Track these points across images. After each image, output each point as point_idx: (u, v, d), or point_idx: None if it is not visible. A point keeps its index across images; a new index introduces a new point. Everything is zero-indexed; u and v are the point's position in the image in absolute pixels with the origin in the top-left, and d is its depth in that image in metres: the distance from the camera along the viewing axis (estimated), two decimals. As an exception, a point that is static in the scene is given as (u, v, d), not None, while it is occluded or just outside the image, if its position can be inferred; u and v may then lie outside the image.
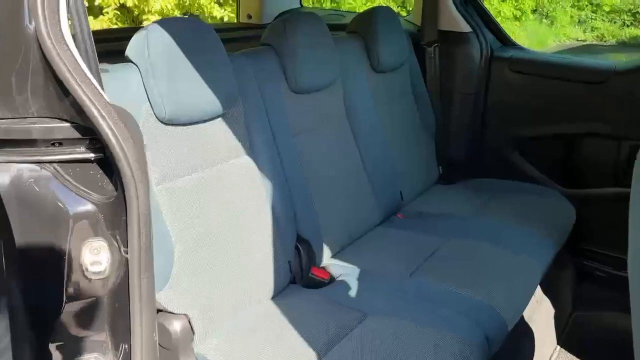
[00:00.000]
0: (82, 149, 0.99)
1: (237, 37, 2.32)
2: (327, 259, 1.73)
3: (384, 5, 3.12)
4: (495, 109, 2.35)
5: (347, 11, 2.90)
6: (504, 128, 2.34)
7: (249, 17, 2.77)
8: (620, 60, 2.10)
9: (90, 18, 5.57)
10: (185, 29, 1.35)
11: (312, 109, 1.78)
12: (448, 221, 1.97)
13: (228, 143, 1.48)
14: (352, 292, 1.53)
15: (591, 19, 11.69)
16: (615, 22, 11.69)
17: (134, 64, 1.29)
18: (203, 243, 1.38)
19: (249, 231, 1.49)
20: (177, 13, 6.10)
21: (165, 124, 1.32)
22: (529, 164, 2.33)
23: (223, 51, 1.43)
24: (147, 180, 0.97)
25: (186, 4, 6.06)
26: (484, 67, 2.31)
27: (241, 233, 1.47)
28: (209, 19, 6.35)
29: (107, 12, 5.52)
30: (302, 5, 2.89)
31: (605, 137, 2.15)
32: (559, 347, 1.97)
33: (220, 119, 1.46)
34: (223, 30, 2.60)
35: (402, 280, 1.58)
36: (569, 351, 1.95)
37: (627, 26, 11.57)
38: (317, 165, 1.75)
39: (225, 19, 6.16)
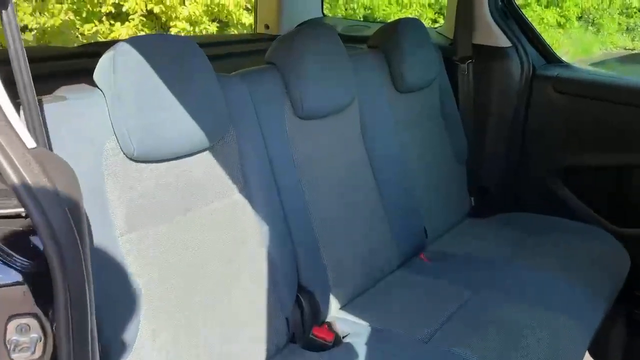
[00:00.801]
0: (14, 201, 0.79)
1: (250, 51, 2.11)
2: (334, 311, 1.50)
3: (413, 17, 2.88)
4: (536, 134, 2.07)
5: (375, 21, 2.64)
6: (545, 155, 2.06)
7: (267, 27, 2.56)
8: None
9: (117, 24, 5.50)
10: (161, 48, 1.14)
11: (320, 136, 1.55)
12: (477, 266, 1.70)
13: (216, 181, 1.26)
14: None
15: (640, 26, 11.17)
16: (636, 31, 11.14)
17: (101, 90, 1.09)
18: (182, 301, 1.17)
19: (238, 284, 1.27)
20: (205, 20, 5.98)
21: (136, 161, 1.12)
22: (574, 198, 2.03)
23: (210, 72, 1.22)
24: (85, 242, 0.76)
25: (215, 10, 5.94)
26: (524, 87, 2.03)
27: (229, 287, 1.25)
28: (238, 26, 6.21)
29: (133, 19, 5.42)
30: (324, 15, 2.66)
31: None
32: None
33: (206, 152, 1.25)
34: (235, 42, 2.39)
35: (418, 347, 1.33)
36: None
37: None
38: (325, 202, 1.52)
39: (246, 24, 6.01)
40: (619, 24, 11.22)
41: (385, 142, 1.74)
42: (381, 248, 1.66)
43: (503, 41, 2.06)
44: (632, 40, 11.05)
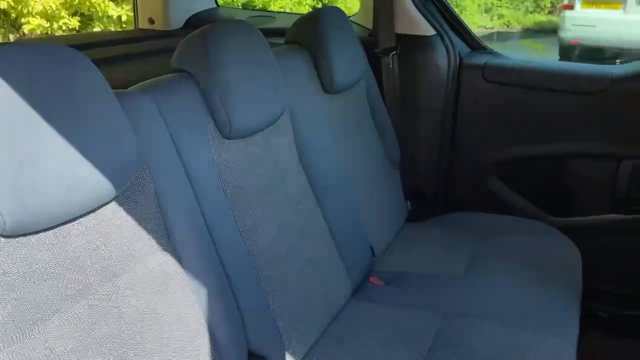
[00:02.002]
0: None
1: (133, 54, 1.72)
2: (292, 370, 1.23)
3: (330, 5, 2.60)
4: (468, 128, 1.93)
5: (280, 11, 2.36)
6: (479, 150, 1.94)
7: (151, 21, 2.17)
8: (616, 65, 1.73)
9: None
10: (26, 62, 0.77)
11: (253, 158, 1.25)
12: (436, 285, 1.52)
13: (128, 241, 0.93)
14: None
15: (497, 6, 11.96)
16: (519, 9, 12.04)
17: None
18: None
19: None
20: (64, 14, 5.25)
21: (8, 237, 0.75)
22: (512, 192, 1.94)
23: (106, 90, 0.87)
24: None
25: (75, 2, 5.23)
26: (452, 78, 1.88)
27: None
28: (104, 19, 5.55)
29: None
30: (218, 5, 2.33)
31: (601, 157, 1.80)
32: None
33: (112, 204, 0.90)
34: (114, 43, 1.96)
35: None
36: None
37: (531, 12, 11.96)
38: (266, 239, 1.23)
39: (124, 19, 5.39)
40: (479, 5, 11.93)
41: (322, 154, 1.48)
42: (333, 281, 1.42)
43: (427, 29, 1.89)
44: (491, 19, 11.81)
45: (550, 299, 1.45)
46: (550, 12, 11.85)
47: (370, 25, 1.96)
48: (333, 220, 1.45)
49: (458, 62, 1.88)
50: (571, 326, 1.37)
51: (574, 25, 8.03)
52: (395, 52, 1.87)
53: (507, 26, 11.64)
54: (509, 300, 1.43)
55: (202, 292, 1.02)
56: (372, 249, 1.61)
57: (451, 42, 1.88)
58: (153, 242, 0.96)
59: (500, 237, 1.74)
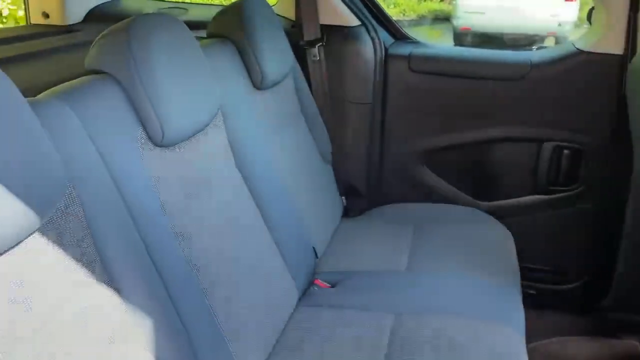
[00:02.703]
0: None
1: (32, 53, 1.51)
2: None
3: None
4: (397, 119, 1.92)
5: (192, 2, 2.21)
6: (408, 140, 1.93)
7: (46, 16, 1.93)
8: (535, 51, 1.79)
9: None
10: None
11: (187, 165, 1.13)
12: (384, 282, 1.49)
13: (57, 273, 0.79)
14: None
15: (392, -5, 12.33)
16: (413, -2, 12.49)
17: None
18: None
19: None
20: None
21: None
22: (442, 180, 1.96)
23: (17, 99, 0.73)
24: None
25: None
26: (379, 68, 1.86)
27: None
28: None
29: None
30: (121, -4, 2.12)
31: (524, 140, 1.86)
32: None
33: (35, 235, 0.76)
34: (6, 41, 1.70)
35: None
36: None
37: (424, 1, 12.44)
38: (212, 254, 1.12)
39: (5, 13, 4.83)
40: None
41: (257, 153, 1.39)
42: (280, 289, 1.33)
43: (351, 20, 1.84)
44: (387, 7, 12.16)
45: (494, 284, 1.47)
46: (442, 0, 12.39)
47: (291, 16, 1.88)
48: (274, 223, 1.37)
49: (383, 52, 1.86)
50: (516, 310, 1.39)
51: (465, 12, 8.45)
52: (321, 43, 1.80)
53: (403, 14, 12.02)
54: (454, 292, 1.43)
55: (144, 314, 0.90)
56: (315, 250, 1.55)
57: (376, 32, 1.85)
58: (85, 271, 0.83)
59: (436, 226, 1.74)
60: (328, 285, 1.50)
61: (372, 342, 1.24)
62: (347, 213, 1.90)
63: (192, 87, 1.10)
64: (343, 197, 1.89)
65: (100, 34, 1.05)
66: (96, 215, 0.86)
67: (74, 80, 0.99)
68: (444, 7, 11.96)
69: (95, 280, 0.84)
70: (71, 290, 0.79)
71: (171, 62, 1.06)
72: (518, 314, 1.38)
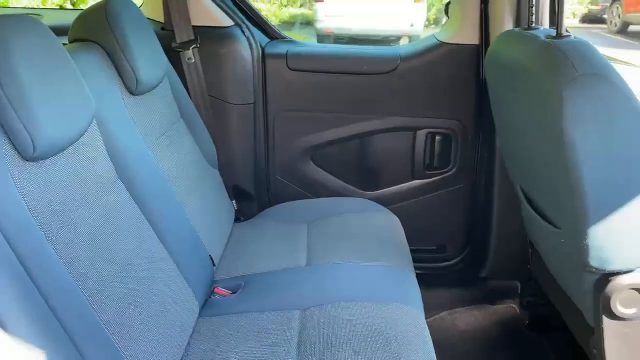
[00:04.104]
0: None
1: None
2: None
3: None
4: (279, 118, 1.92)
5: (46, 7, 2.01)
6: (293, 138, 1.95)
7: None
8: (403, 45, 1.90)
9: None
10: None
11: (67, 179, 1.03)
12: (285, 281, 1.48)
13: None
14: None
15: (252, 1, 12.42)
16: (274, 4, 12.67)
17: None
18: None
19: None
20: None
21: None
22: (329, 175, 2.00)
23: None
24: None
25: None
26: (257, 69, 1.85)
27: None
28: None
29: None
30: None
31: (400, 130, 1.96)
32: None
33: None
34: None
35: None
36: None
37: (285, 7, 12.70)
38: (104, 278, 1.02)
39: None
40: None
41: (139, 163, 1.30)
42: (180, 307, 1.25)
43: (224, 20, 1.81)
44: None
45: (389, 267, 1.53)
46: (301, 5, 12.72)
47: (159, 18, 1.80)
48: (166, 234, 1.29)
49: (260, 52, 1.85)
50: (413, 288, 1.46)
51: (326, 16, 8.76)
52: (195, 45, 1.74)
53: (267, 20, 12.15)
54: (354, 280, 1.46)
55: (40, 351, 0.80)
56: (212, 259, 1.49)
57: (251, 32, 1.84)
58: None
59: (329, 220, 1.77)
60: (229, 292, 1.45)
61: (282, 344, 1.21)
62: (238, 217, 1.86)
63: (63, 95, 1.01)
64: (233, 201, 1.85)
65: None
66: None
67: None
68: (305, 12, 12.28)
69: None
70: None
71: (38, 68, 0.95)
72: (415, 292, 1.45)
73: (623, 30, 8.92)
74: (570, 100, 1.05)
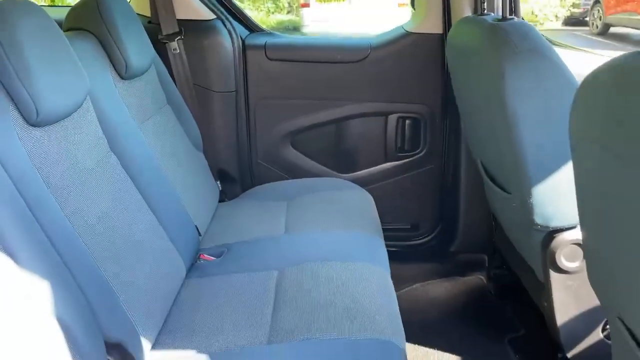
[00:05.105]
0: None
1: None
2: (148, 354, 1.19)
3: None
4: (260, 105, 2.07)
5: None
6: (273, 124, 2.09)
7: None
8: (374, 36, 2.06)
9: None
10: None
11: (67, 145, 1.17)
12: (265, 246, 1.62)
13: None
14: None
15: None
16: (262, 11, 12.83)
17: None
18: None
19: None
20: None
21: None
22: (307, 158, 2.15)
23: None
24: None
25: None
26: (239, 59, 1.99)
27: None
28: None
29: None
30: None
31: (373, 115, 2.11)
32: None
33: None
34: None
35: (263, 353, 1.18)
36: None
37: (272, 13, 12.84)
38: (100, 235, 1.17)
39: None
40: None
41: (130, 138, 1.44)
42: (168, 264, 1.40)
43: (207, 14, 1.96)
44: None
45: (360, 236, 1.67)
46: (289, 12, 12.89)
47: (146, 13, 1.94)
48: (155, 205, 1.43)
49: (241, 43, 2.00)
50: (381, 250, 1.60)
51: (312, 21, 8.98)
52: (180, 37, 1.89)
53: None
54: (328, 244, 1.60)
55: (44, 286, 0.94)
56: (197, 229, 1.63)
57: (232, 25, 1.98)
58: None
59: (306, 197, 1.91)
60: (213, 258, 1.59)
61: (260, 300, 1.34)
62: (223, 199, 1.99)
63: (62, 70, 1.15)
64: (218, 182, 1.99)
65: None
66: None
67: None
68: (292, 18, 12.44)
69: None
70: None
71: (39, 45, 1.09)
72: (383, 255, 1.59)
73: (604, 32, 9.13)
74: (510, 74, 1.21)
